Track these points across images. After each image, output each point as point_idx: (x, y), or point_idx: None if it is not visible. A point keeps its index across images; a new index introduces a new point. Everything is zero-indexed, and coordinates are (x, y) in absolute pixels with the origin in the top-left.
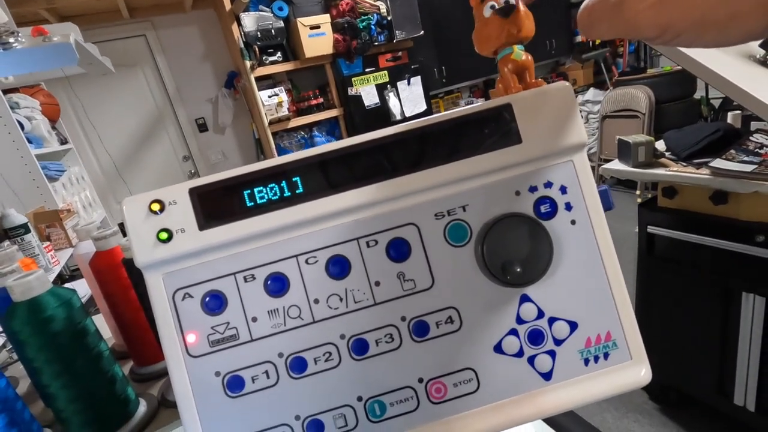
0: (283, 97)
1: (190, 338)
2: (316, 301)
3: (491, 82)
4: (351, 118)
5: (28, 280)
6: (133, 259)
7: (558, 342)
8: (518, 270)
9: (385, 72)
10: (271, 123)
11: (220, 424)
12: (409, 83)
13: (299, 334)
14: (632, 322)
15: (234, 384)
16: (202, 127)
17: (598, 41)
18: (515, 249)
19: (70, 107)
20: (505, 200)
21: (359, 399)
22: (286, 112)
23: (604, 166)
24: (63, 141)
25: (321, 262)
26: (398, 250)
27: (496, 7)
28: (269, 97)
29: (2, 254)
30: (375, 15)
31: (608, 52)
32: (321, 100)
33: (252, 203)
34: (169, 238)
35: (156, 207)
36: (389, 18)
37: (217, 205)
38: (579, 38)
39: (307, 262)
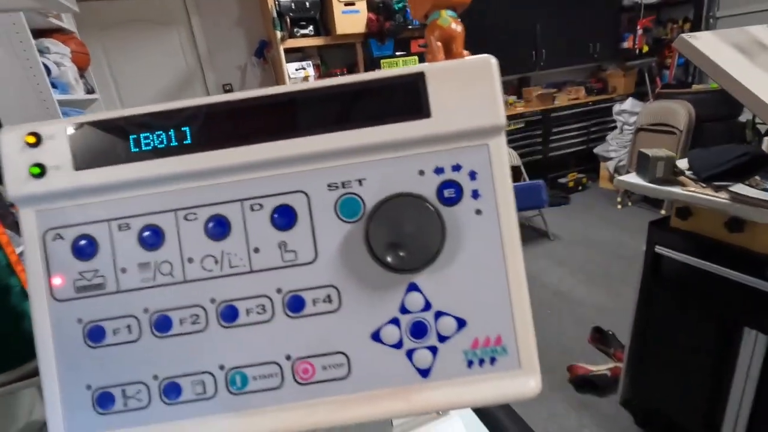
0: (310, 72)
1: (56, 281)
2: (190, 260)
3: (527, 80)
4: None
5: None
6: (5, 191)
7: (442, 338)
8: (401, 254)
9: (416, 57)
10: None
11: (76, 372)
12: None
13: (168, 291)
14: (528, 330)
15: (95, 334)
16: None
17: (645, 49)
18: (401, 232)
19: (104, 58)
20: (407, 179)
21: (221, 368)
22: None
23: (618, 178)
24: (89, 90)
25: (200, 220)
26: (283, 218)
27: None
28: (296, 70)
29: None
30: None
31: (655, 62)
32: None
33: (136, 149)
34: (42, 174)
35: (31, 140)
36: None
37: (97, 145)
38: (626, 44)
39: (185, 218)
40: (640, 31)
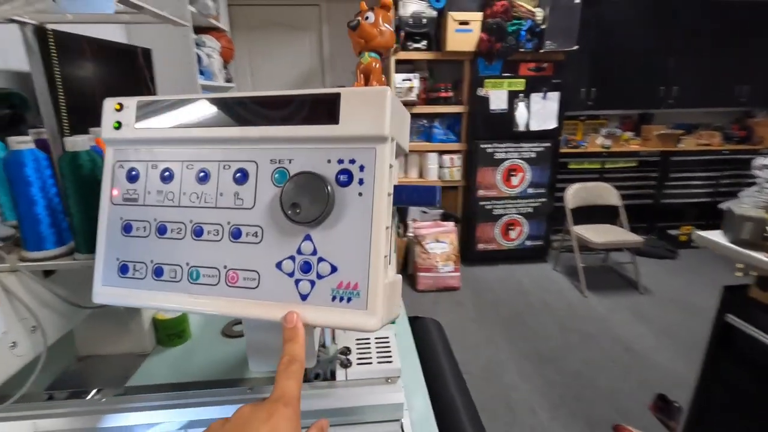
0: (415, 83)
1: (115, 192)
2: (185, 194)
3: (648, 117)
4: (473, 119)
5: (75, 139)
6: (102, 135)
7: (320, 276)
8: (297, 212)
9: (523, 80)
10: None
11: (113, 249)
12: (544, 97)
13: (169, 210)
14: (377, 283)
15: (127, 228)
16: None
17: None
18: (301, 197)
19: (247, 54)
20: (319, 163)
21: (187, 264)
22: (414, 99)
23: (698, 233)
24: (228, 80)
25: (195, 170)
26: (241, 177)
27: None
28: (402, 80)
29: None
30: (528, 21)
31: None
32: (451, 94)
33: (170, 120)
34: (119, 128)
35: (117, 107)
36: (543, 27)
37: (150, 115)
38: None
39: (187, 167)
40: None
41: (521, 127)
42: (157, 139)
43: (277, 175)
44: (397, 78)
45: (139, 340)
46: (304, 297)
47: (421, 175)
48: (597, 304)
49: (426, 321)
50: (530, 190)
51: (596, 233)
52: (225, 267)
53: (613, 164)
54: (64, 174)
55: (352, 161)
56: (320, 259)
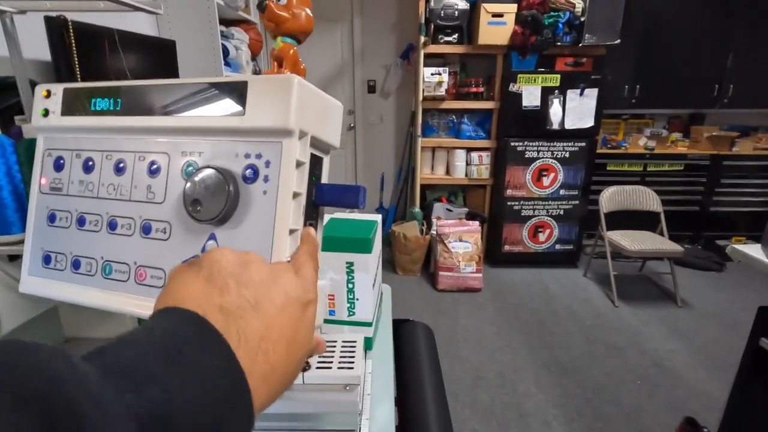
0: (444, 77)
1: (43, 181)
2: (103, 185)
3: (701, 117)
4: (504, 115)
5: (30, 126)
6: (32, 122)
7: None
8: (198, 209)
9: (558, 76)
10: (425, 99)
11: (39, 238)
12: (581, 93)
13: (88, 201)
14: None
15: (51, 218)
16: (371, 89)
17: None
18: (203, 193)
19: None
20: (226, 157)
21: (102, 258)
22: (443, 93)
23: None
24: (256, 72)
25: (113, 161)
26: (154, 169)
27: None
28: (431, 74)
29: None
30: (567, 13)
31: None
32: (482, 89)
33: (94, 108)
34: (46, 115)
35: (45, 94)
36: (582, 19)
37: (74, 102)
38: None
39: (107, 157)
40: None
41: (555, 125)
42: (81, 127)
43: (186, 168)
44: (426, 72)
45: (122, 326)
46: None
47: (447, 172)
48: (628, 315)
49: (415, 325)
50: (562, 192)
51: (632, 240)
52: (135, 263)
53: (657, 167)
54: (21, 160)
55: (259, 156)
56: None
